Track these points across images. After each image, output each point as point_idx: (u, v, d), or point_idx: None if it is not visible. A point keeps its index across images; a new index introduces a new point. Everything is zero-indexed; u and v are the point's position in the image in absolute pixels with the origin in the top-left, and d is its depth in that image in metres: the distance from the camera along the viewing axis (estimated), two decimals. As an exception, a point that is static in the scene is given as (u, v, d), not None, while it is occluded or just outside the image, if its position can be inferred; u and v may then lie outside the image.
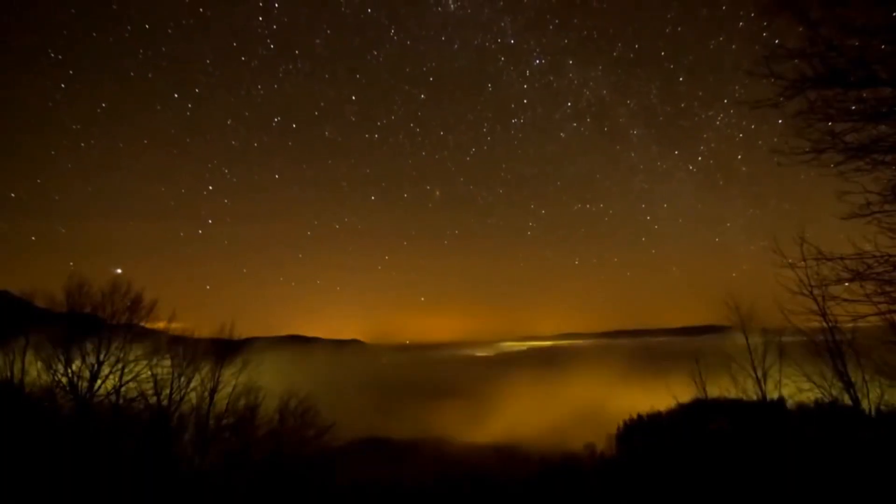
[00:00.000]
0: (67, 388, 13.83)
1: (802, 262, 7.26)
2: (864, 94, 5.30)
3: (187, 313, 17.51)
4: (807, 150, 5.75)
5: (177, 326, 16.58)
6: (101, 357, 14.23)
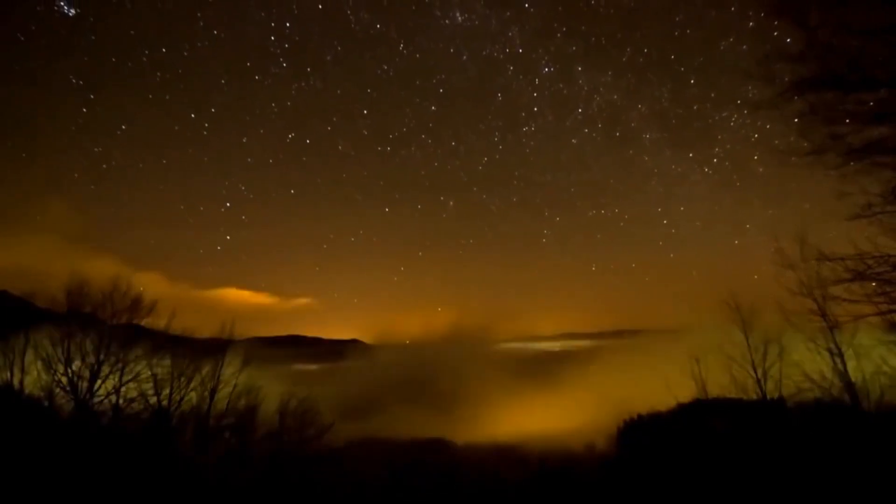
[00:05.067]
0: (67, 388, 13.83)
1: (803, 263, 7.29)
2: (864, 97, 5.31)
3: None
4: (808, 151, 5.77)
5: (177, 326, 16.55)
6: (101, 357, 14.24)
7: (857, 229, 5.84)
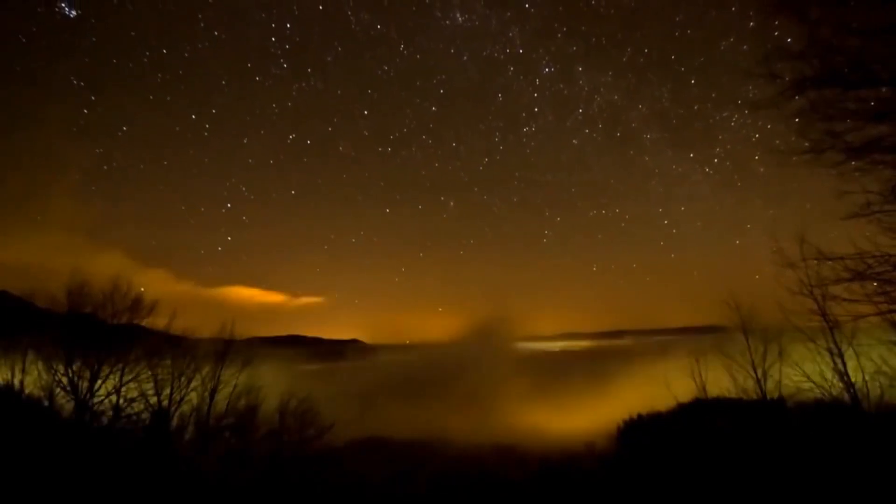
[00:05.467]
0: (68, 388, 13.84)
1: (802, 262, 7.29)
2: (864, 95, 5.30)
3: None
4: (807, 149, 5.76)
5: (177, 326, 16.56)
6: (101, 357, 14.24)
7: (857, 228, 5.83)
